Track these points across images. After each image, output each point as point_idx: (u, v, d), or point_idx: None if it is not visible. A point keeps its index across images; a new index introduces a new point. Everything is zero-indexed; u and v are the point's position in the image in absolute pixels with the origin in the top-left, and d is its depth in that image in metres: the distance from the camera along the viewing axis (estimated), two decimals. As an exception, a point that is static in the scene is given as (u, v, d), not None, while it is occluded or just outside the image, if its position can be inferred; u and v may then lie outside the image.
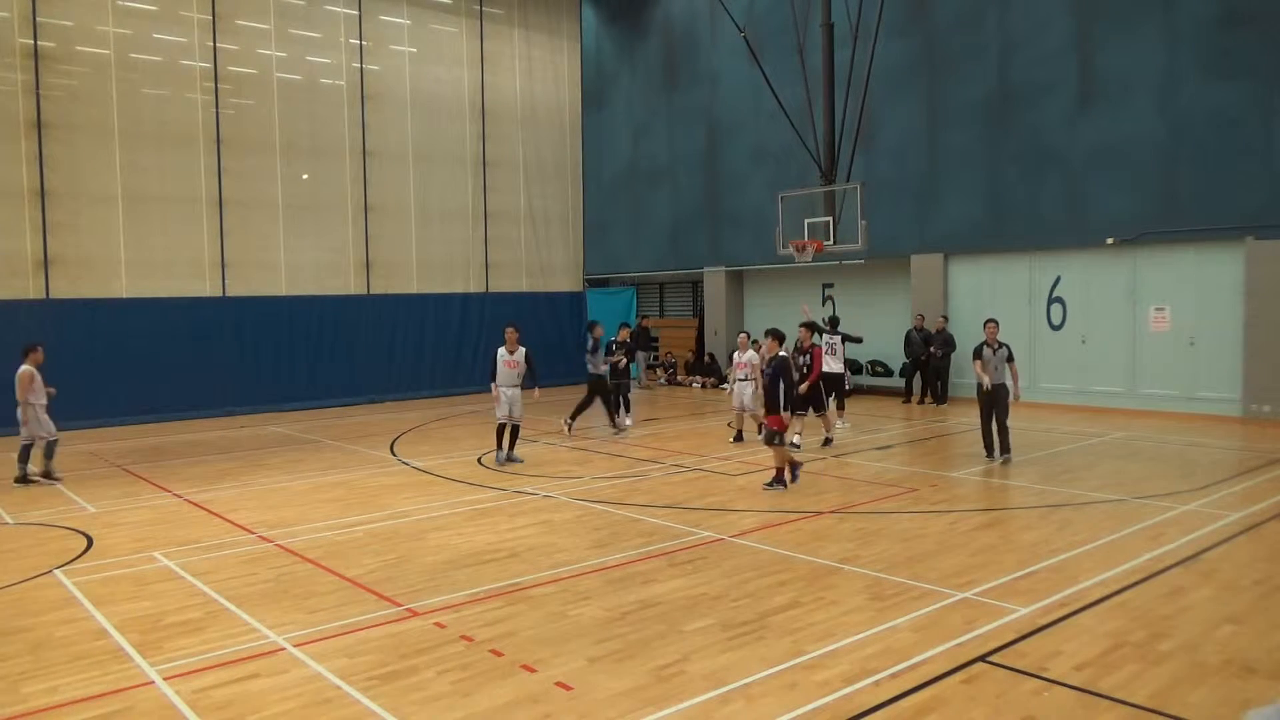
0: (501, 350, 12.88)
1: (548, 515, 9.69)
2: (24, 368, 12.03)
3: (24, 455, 12.02)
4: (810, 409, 13.64)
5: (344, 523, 9.54)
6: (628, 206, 26.58)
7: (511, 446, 13.02)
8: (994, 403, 12.06)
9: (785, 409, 10.61)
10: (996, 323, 12.49)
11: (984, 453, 12.32)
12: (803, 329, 13.36)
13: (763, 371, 10.99)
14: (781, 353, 10.75)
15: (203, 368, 18.73)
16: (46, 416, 12.12)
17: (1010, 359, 12.21)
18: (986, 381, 11.97)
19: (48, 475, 12.11)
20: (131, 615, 6.70)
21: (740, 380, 14.02)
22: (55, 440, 12.28)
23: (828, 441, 13.82)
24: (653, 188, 25.79)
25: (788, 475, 10.69)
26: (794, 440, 13.36)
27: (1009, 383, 12.18)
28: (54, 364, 17.05)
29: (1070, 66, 17.23)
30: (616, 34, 26.74)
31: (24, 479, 11.95)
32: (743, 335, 14.68)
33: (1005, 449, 12.16)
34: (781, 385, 10.52)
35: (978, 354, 12.21)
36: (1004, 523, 9.08)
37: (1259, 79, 14.98)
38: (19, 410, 11.98)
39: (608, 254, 26.86)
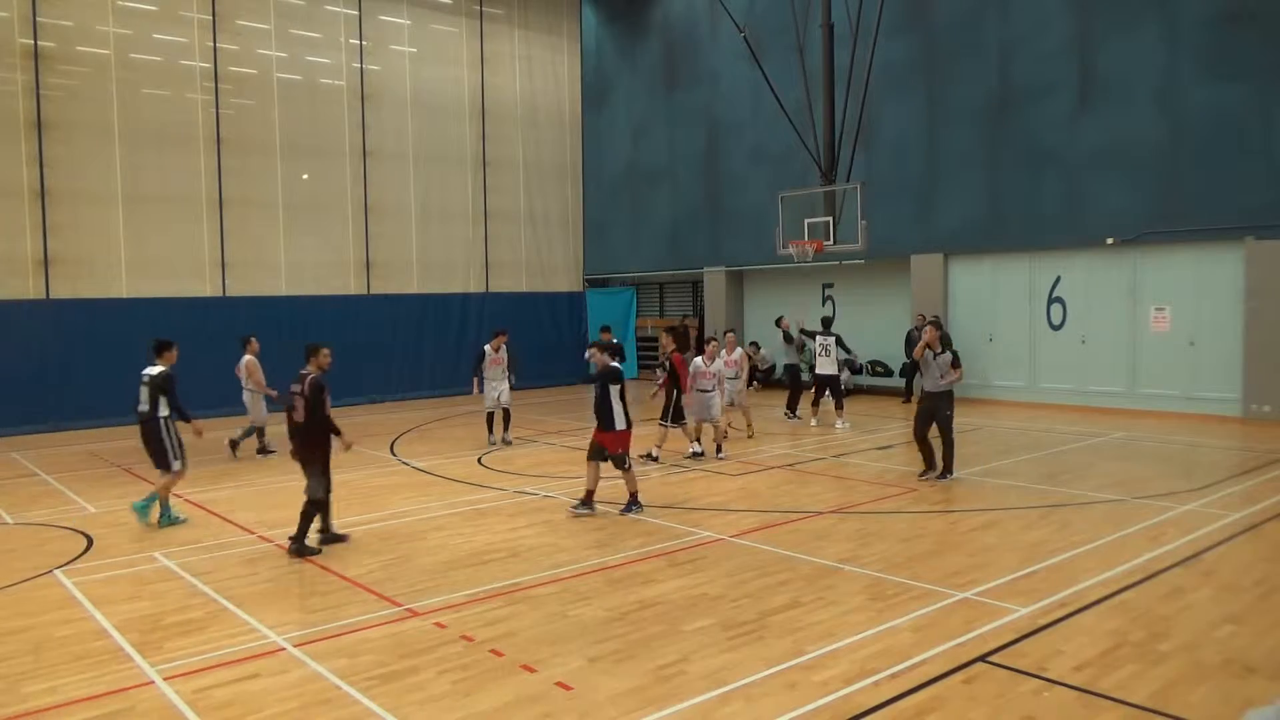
0: (488, 348, 14.40)
1: (548, 515, 9.69)
2: (248, 357, 13.26)
3: (249, 432, 13.69)
4: (670, 420, 12.90)
5: (343, 523, 9.53)
6: (628, 206, 26.57)
7: (505, 429, 14.50)
8: (933, 411, 10.94)
9: (625, 425, 9.56)
10: (937, 324, 11.42)
11: (924, 468, 11.19)
12: (665, 335, 13.28)
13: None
14: (614, 364, 9.74)
15: (202, 368, 18.59)
16: (263, 403, 13.53)
17: (956, 364, 10.90)
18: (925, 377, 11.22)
19: (234, 446, 13.67)
20: (131, 615, 6.70)
21: (704, 391, 12.95)
22: (261, 428, 13.69)
23: (695, 455, 12.96)
24: (653, 188, 25.78)
25: (633, 502, 9.68)
26: (653, 452, 12.76)
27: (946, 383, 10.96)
28: (54, 364, 17.18)
29: (1070, 66, 17.22)
30: (616, 34, 26.74)
31: (264, 450, 13.79)
32: (730, 334, 14.85)
33: (948, 466, 11.04)
34: (613, 398, 9.52)
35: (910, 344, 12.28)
36: (1004, 523, 9.08)
37: (1259, 79, 14.98)
38: (244, 395, 13.56)
39: (608, 254, 26.85)
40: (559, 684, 5.36)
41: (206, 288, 19.11)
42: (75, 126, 17.49)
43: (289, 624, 6.44)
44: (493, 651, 5.87)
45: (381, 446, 14.77)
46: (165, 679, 5.52)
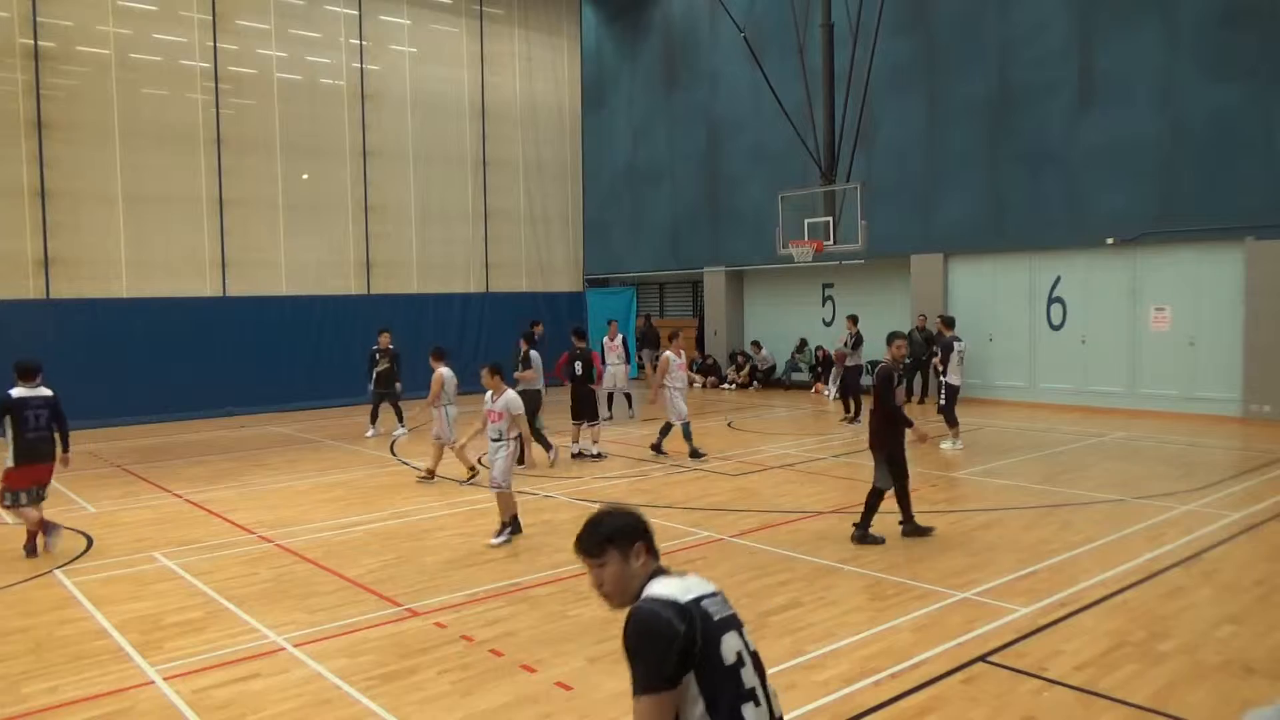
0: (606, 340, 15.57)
1: (548, 515, 9.69)
2: (666, 353, 13.37)
3: (665, 430, 13.31)
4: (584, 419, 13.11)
5: (344, 523, 9.54)
6: (628, 206, 26.57)
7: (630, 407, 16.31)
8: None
9: (13, 462, 8.29)
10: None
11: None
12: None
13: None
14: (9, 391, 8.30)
15: (203, 368, 18.71)
16: (680, 401, 13.09)
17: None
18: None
19: (695, 454, 12.91)
20: (131, 615, 6.70)
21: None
22: (687, 422, 13.09)
23: (579, 455, 13.09)
24: (653, 188, 25.78)
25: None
26: (562, 451, 13.09)
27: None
28: (54, 364, 17.12)
29: (1070, 66, 17.22)
30: (616, 34, 26.74)
31: (658, 448, 13.39)
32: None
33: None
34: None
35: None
36: (1004, 523, 9.08)
37: (1259, 79, 14.98)
38: (664, 393, 13.45)
39: (608, 254, 26.85)
40: (559, 684, 5.36)
41: (206, 288, 19.10)
42: (75, 126, 17.48)
43: (289, 624, 6.44)
44: (493, 651, 5.87)
45: (381, 446, 14.77)
46: (165, 679, 5.52)
